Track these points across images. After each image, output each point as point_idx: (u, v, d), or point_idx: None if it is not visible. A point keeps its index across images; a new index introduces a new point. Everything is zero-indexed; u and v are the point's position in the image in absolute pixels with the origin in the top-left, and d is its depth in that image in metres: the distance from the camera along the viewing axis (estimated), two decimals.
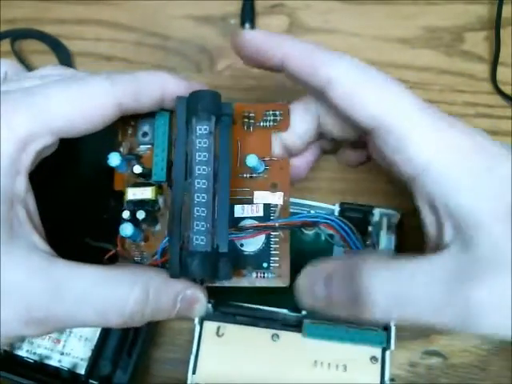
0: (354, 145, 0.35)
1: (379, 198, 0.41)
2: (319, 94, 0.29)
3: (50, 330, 0.26)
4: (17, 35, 0.47)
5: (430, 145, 0.26)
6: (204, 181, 0.27)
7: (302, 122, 0.31)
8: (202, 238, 0.27)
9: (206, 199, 0.27)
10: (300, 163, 0.34)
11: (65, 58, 0.47)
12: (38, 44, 0.47)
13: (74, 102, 0.27)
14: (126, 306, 0.26)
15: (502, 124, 0.43)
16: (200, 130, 0.28)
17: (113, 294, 0.26)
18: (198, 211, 0.27)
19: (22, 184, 0.26)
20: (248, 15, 0.47)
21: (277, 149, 0.31)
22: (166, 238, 0.29)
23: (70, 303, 0.25)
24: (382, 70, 0.28)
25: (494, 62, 0.44)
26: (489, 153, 0.26)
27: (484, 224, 0.24)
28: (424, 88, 0.45)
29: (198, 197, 0.27)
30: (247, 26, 0.46)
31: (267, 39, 0.29)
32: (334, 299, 0.27)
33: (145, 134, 0.31)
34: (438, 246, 0.26)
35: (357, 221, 0.33)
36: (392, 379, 0.35)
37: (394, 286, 0.25)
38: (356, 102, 0.27)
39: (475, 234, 0.24)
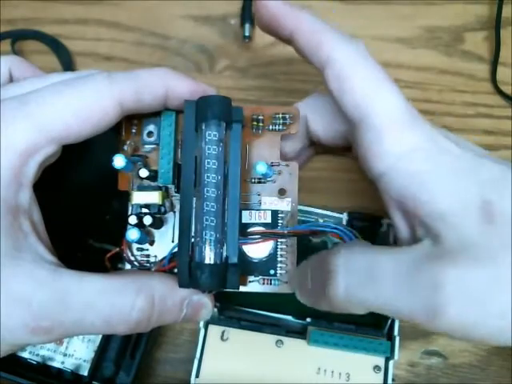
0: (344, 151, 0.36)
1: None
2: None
3: (56, 337, 0.26)
4: (17, 36, 0.47)
5: (404, 142, 0.26)
6: (213, 189, 0.27)
7: None
8: (211, 247, 0.27)
9: (216, 208, 0.27)
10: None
11: (65, 58, 0.47)
12: (37, 44, 0.47)
13: (72, 107, 0.26)
14: (131, 313, 0.26)
15: (502, 124, 0.43)
16: (209, 135, 0.28)
17: (118, 302, 0.26)
18: (207, 220, 0.27)
19: (25, 196, 0.26)
20: (248, 15, 0.47)
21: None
22: (174, 245, 0.29)
23: (76, 312, 0.25)
24: None
25: (494, 62, 0.44)
26: (455, 156, 0.26)
27: (451, 215, 0.24)
28: (424, 88, 0.45)
29: (207, 205, 0.27)
30: (247, 26, 0.46)
31: (283, 9, 0.29)
32: (313, 287, 0.27)
33: (150, 134, 0.30)
34: (411, 243, 0.26)
35: (364, 230, 0.33)
36: (392, 379, 0.35)
37: (358, 264, 0.25)
38: (346, 86, 0.27)
39: (443, 228, 0.24)
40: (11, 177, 0.25)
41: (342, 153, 0.40)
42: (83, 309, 0.25)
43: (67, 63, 0.46)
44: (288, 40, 0.30)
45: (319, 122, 0.33)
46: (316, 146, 0.38)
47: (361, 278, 0.25)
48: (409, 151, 0.26)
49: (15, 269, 0.25)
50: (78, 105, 0.27)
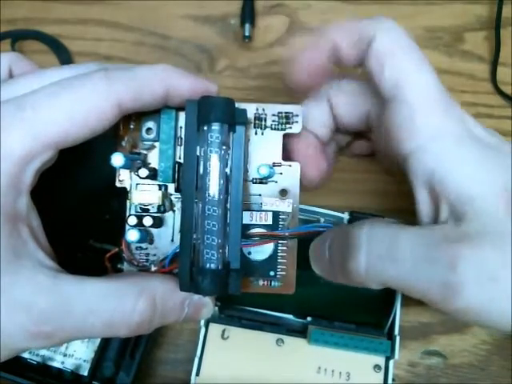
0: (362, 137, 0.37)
1: (377, 199, 0.41)
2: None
3: (57, 342, 0.26)
4: (17, 36, 0.47)
5: (437, 122, 0.27)
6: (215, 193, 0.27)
7: (318, 113, 0.34)
8: (213, 252, 0.27)
9: (218, 213, 0.27)
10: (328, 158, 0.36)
11: (65, 58, 0.47)
12: (37, 44, 0.47)
13: (69, 111, 0.26)
14: (133, 316, 0.26)
15: (502, 124, 0.43)
16: (211, 137, 0.27)
17: (119, 306, 0.26)
18: (208, 224, 0.27)
19: (23, 203, 0.26)
20: (248, 15, 0.47)
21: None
22: (175, 246, 0.29)
23: (77, 317, 0.25)
24: None
25: (494, 62, 0.44)
26: (484, 142, 0.27)
27: (478, 200, 0.25)
28: None
29: (208, 209, 0.27)
30: (247, 26, 0.46)
31: (315, 41, 0.31)
32: (332, 259, 0.28)
33: (149, 131, 0.30)
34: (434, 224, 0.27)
35: None
36: (392, 379, 0.35)
37: (380, 239, 0.26)
38: (387, 62, 0.28)
39: (469, 211, 0.25)
40: (9, 184, 0.25)
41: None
42: (84, 313, 0.25)
43: (67, 63, 0.46)
44: (335, 59, 0.31)
45: (343, 100, 0.34)
46: (340, 138, 0.38)
47: (382, 253, 0.25)
48: (441, 132, 0.27)
49: (15, 276, 0.25)
50: (75, 108, 0.26)
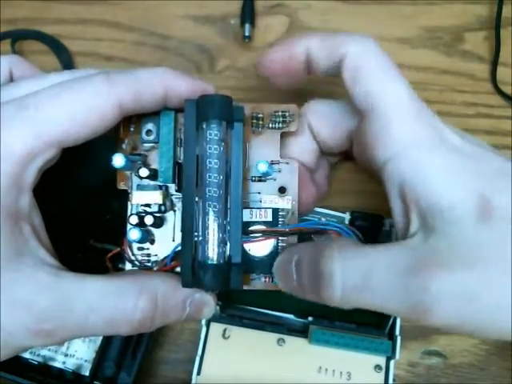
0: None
1: (377, 199, 0.41)
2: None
3: (59, 340, 0.26)
4: (17, 35, 0.47)
5: (410, 131, 0.27)
6: (215, 189, 0.27)
7: (300, 140, 0.33)
8: (214, 247, 0.27)
9: (218, 208, 0.27)
10: (320, 179, 0.36)
11: (65, 58, 0.47)
12: (38, 44, 0.47)
13: (70, 111, 0.26)
14: (134, 314, 0.26)
15: (502, 124, 0.43)
16: (210, 135, 0.28)
17: (121, 304, 0.26)
18: (209, 220, 0.27)
19: (25, 201, 0.26)
20: (248, 15, 0.47)
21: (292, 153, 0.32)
22: (176, 244, 0.29)
23: (78, 315, 0.26)
24: None
25: (494, 62, 0.44)
26: (459, 150, 0.27)
27: (448, 209, 0.25)
28: (424, 88, 0.45)
29: (209, 205, 0.27)
30: (247, 26, 0.46)
31: (289, 41, 0.30)
32: (301, 282, 0.27)
33: (149, 132, 0.30)
34: (405, 236, 0.27)
35: (366, 230, 0.34)
36: (393, 379, 0.35)
37: (354, 270, 0.25)
38: (359, 75, 0.28)
39: (439, 223, 0.25)
40: (11, 183, 0.25)
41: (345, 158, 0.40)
42: (85, 311, 0.26)
43: (67, 63, 0.46)
44: (303, 68, 0.31)
45: (324, 124, 0.33)
46: (329, 158, 0.38)
47: (357, 283, 0.25)
48: (414, 141, 0.26)
49: (16, 273, 0.25)
50: (76, 109, 0.26)
